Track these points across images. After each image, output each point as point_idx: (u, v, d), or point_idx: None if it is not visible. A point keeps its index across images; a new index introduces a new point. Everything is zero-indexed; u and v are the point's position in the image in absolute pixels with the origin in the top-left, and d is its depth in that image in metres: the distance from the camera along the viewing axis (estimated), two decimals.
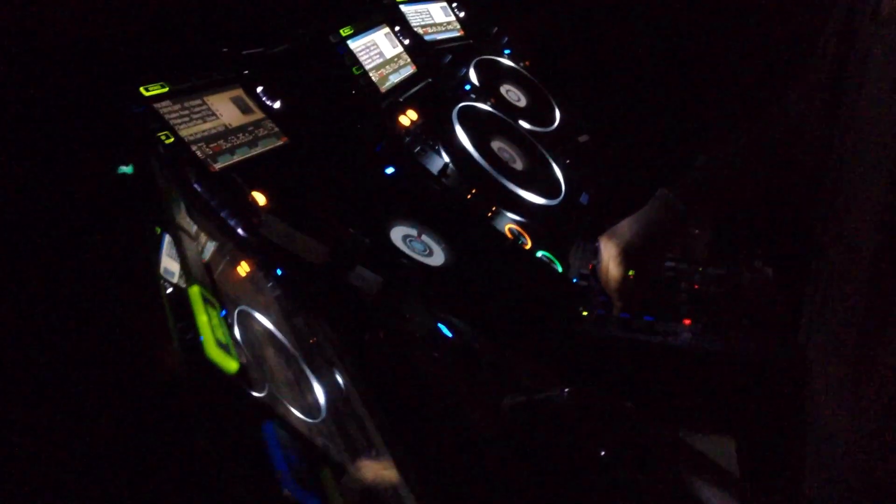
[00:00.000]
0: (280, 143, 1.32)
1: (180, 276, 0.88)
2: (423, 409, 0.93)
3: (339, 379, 1.01)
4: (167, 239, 0.89)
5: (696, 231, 1.63)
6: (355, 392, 0.95)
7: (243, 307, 0.97)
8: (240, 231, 1.03)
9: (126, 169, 0.97)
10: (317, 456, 0.76)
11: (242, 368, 0.70)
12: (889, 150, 0.98)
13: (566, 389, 0.89)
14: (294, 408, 0.91)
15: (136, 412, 0.62)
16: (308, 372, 1.00)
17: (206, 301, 0.71)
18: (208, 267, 0.91)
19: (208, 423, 0.59)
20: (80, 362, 0.67)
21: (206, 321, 0.67)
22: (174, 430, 0.60)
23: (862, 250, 1.05)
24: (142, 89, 1.13)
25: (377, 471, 0.86)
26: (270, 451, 0.66)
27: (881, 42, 1.06)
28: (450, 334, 1.08)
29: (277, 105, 1.36)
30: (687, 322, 1.37)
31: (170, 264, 0.89)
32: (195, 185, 1.02)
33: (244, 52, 1.39)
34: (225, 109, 1.25)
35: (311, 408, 0.94)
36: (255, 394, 0.82)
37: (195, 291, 0.71)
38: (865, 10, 1.11)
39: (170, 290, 0.83)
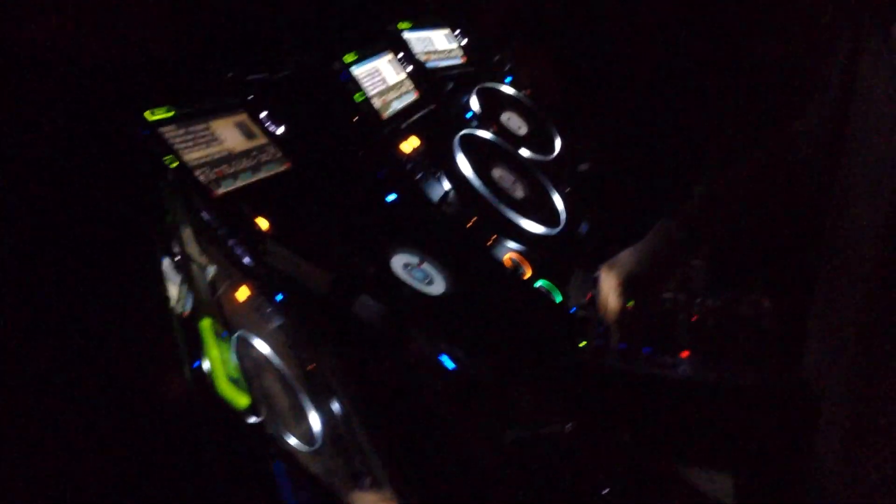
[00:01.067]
0: (283, 168, 1.32)
1: (177, 301, 0.87)
2: (425, 439, 0.93)
3: (338, 407, 1.00)
4: (165, 262, 0.89)
5: (695, 262, 1.63)
6: (356, 421, 0.94)
7: (242, 332, 0.97)
8: (245, 258, 1.03)
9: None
10: (327, 495, 0.76)
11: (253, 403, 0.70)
12: (891, 181, 0.98)
13: (568, 424, 0.89)
14: (291, 435, 0.90)
15: (143, 438, 0.62)
16: (305, 400, 0.99)
17: (216, 334, 0.71)
18: (213, 291, 0.91)
19: (218, 457, 0.59)
20: (86, 389, 0.67)
21: (217, 356, 0.67)
22: (183, 461, 0.59)
23: (861, 283, 1.05)
24: (147, 113, 1.14)
25: (376, 501, 0.86)
26: (281, 489, 0.66)
27: (890, 68, 1.06)
28: (452, 365, 1.08)
29: (281, 130, 1.37)
30: (685, 354, 1.37)
31: (168, 288, 0.89)
32: (202, 213, 1.03)
33: (249, 78, 1.40)
34: (229, 134, 1.26)
35: (306, 435, 0.94)
36: (252, 420, 0.82)
37: (207, 325, 0.71)
38: (872, 41, 1.12)
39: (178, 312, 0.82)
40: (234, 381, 0.66)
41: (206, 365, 0.66)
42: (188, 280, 0.80)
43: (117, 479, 0.60)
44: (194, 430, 0.61)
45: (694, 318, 1.48)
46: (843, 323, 1.13)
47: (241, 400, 0.66)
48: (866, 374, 1.03)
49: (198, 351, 0.67)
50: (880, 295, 1.00)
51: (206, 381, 0.64)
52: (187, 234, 0.94)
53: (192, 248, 0.91)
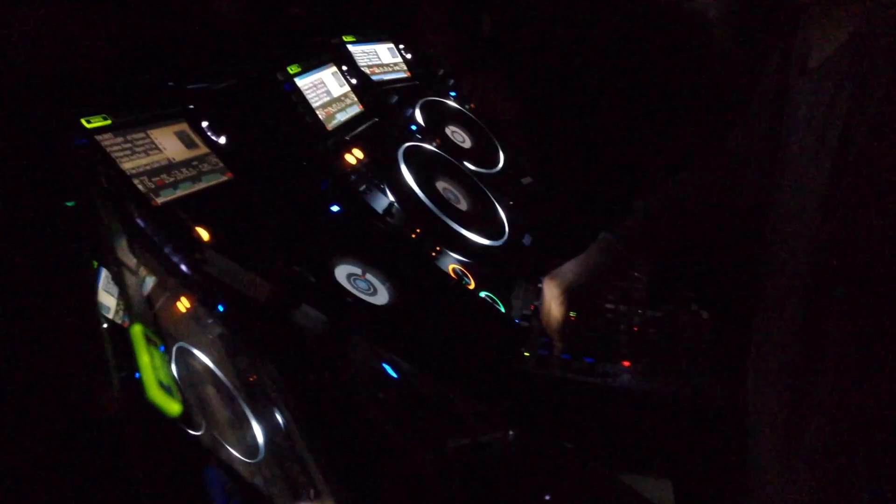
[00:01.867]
0: (224, 178, 1.30)
1: (116, 312, 0.86)
2: (367, 449, 0.92)
3: (280, 418, 0.99)
4: (104, 273, 0.87)
5: (636, 274, 1.66)
6: (297, 432, 0.93)
7: (182, 344, 0.95)
8: (183, 267, 1.01)
9: (70, 203, 0.96)
10: (259, 500, 0.75)
11: (185, 410, 0.68)
12: (817, 196, 1.01)
13: (510, 432, 0.90)
14: (232, 447, 0.89)
15: (72, 453, 0.60)
16: (247, 411, 0.98)
17: (148, 340, 0.69)
18: (149, 302, 0.90)
19: (148, 466, 0.58)
20: (13, 400, 0.65)
21: (148, 362, 0.66)
22: (113, 473, 0.58)
23: (794, 295, 1.08)
24: (83, 121, 1.12)
25: None
26: (213, 496, 0.65)
27: (807, 92, 1.10)
28: (395, 375, 1.08)
29: (223, 140, 1.35)
30: (626, 363, 1.39)
31: (106, 299, 0.87)
32: (137, 220, 1.01)
33: (190, 87, 1.38)
34: (169, 143, 1.24)
35: (249, 447, 0.93)
36: (191, 432, 0.80)
37: (137, 330, 0.69)
38: (796, 63, 1.16)
39: (105, 325, 0.81)
40: (165, 388, 0.65)
41: (137, 372, 0.65)
42: (122, 290, 0.79)
43: (37, 486, 0.59)
44: (122, 438, 0.60)
45: (635, 329, 1.50)
46: (775, 336, 1.16)
47: (173, 407, 0.65)
48: (796, 387, 1.06)
49: (130, 360, 0.66)
50: (809, 311, 1.03)
51: (135, 389, 0.63)
52: (123, 243, 0.92)
53: (129, 258, 0.89)
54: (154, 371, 0.65)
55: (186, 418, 0.71)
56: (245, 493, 0.75)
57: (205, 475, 0.68)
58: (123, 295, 0.78)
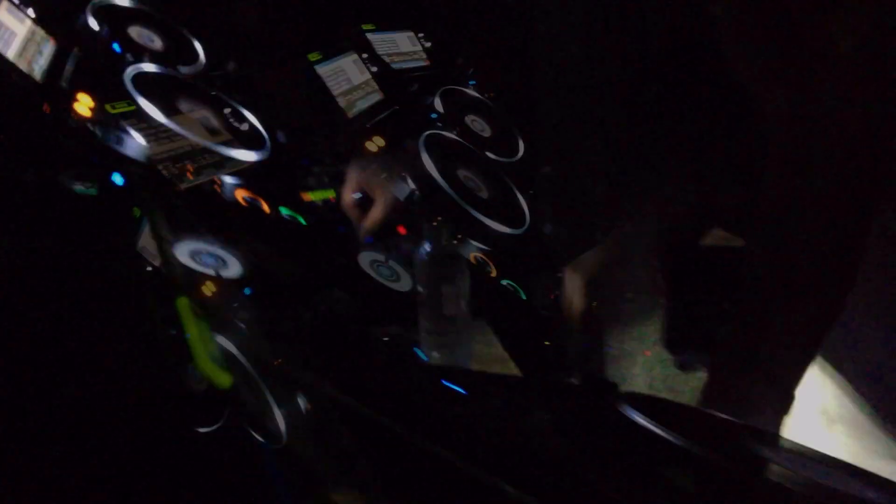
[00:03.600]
0: (247, 165, 1.31)
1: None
2: (395, 432, 0.92)
3: (303, 403, 0.99)
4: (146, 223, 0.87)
5: (656, 263, 1.65)
6: (324, 416, 0.94)
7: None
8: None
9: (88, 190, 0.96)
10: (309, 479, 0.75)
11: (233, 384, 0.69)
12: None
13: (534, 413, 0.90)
14: (256, 433, 0.89)
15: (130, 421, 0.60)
16: (271, 396, 0.98)
17: (194, 313, 0.69)
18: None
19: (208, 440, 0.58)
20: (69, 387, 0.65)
21: (196, 334, 0.66)
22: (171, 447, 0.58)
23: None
24: (108, 107, 1.12)
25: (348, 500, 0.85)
26: (270, 472, 0.65)
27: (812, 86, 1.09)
28: (425, 358, 1.08)
29: (245, 127, 1.35)
30: (647, 353, 1.39)
31: (148, 243, 0.88)
32: (174, 205, 1.02)
33: (212, 74, 1.39)
34: (192, 129, 1.24)
35: (272, 434, 0.93)
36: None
37: (184, 303, 0.70)
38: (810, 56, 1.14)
39: (149, 268, 0.81)
40: (215, 360, 0.65)
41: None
42: (165, 262, 0.79)
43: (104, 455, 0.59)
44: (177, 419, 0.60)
45: (656, 319, 1.50)
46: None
47: (223, 378, 0.65)
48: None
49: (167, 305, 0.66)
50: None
51: (183, 356, 0.63)
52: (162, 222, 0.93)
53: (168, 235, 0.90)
54: (203, 343, 0.66)
55: (234, 389, 0.71)
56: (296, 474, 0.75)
57: (263, 451, 0.68)
58: (169, 269, 0.79)
